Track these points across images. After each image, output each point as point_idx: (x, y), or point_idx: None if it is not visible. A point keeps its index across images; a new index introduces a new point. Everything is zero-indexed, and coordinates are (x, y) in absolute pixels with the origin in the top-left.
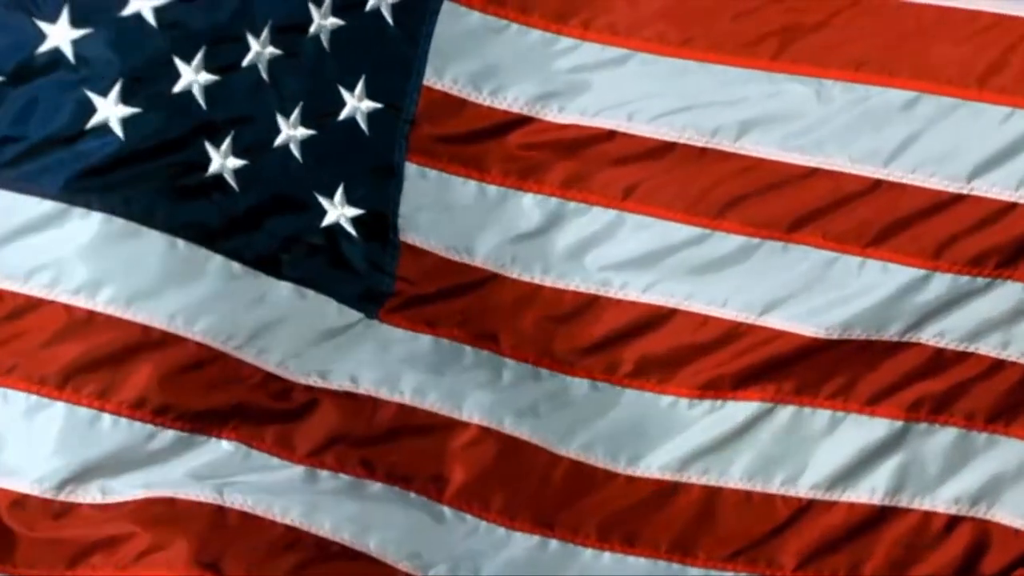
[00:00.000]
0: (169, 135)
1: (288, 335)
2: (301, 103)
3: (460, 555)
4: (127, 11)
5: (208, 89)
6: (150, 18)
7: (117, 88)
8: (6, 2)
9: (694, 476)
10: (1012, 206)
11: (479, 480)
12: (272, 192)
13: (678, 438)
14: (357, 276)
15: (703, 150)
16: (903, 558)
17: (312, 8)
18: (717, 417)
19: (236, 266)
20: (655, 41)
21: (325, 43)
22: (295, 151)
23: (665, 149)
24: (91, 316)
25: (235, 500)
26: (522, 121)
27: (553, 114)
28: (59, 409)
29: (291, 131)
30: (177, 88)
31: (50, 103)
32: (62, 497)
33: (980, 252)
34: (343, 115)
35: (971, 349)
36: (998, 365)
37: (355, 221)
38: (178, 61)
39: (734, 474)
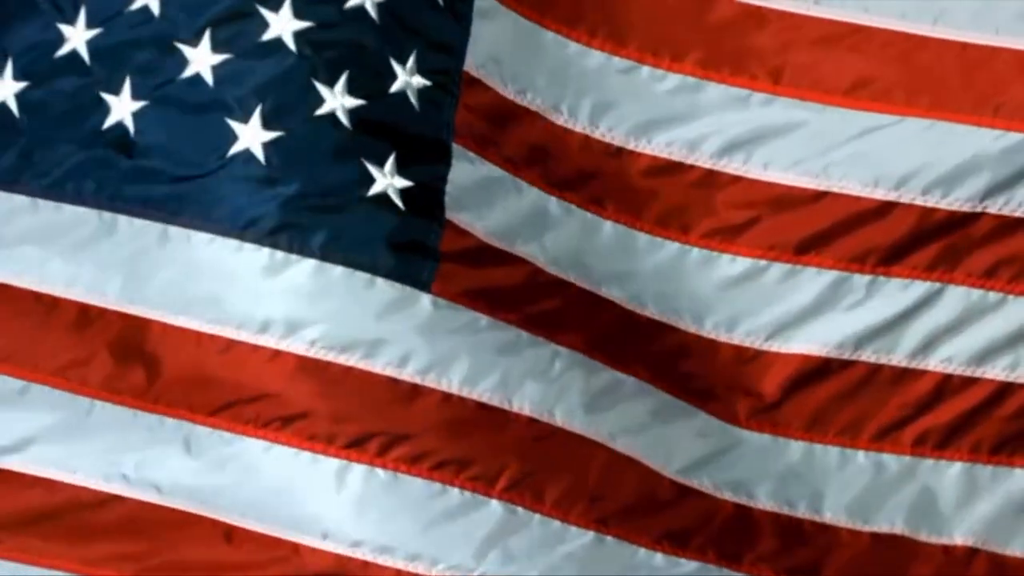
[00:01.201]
0: (177, 123)
1: (325, 314)
2: (346, 72)
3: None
4: (135, 6)
5: (217, 68)
6: (155, 8)
7: (127, 85)
8: (35, 7)
9: (727, 493)
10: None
11: (532, 472)
12: (309, 162)
13: (701, 454)
14: (401, 251)
15: (710, 172)
16: None
17: None
18: (734, 443)
19: (249, 247)
20: (660, 56)
21: (373, 14)
22: (343, 119)
23: (672, 169)
24: (103, 312)
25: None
26: (543, 121)
27: (563, 119)
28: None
29: (338, 100)
30: (185, 74)
31: (70, 107)
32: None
33: (993, 264)
34: (394, 88)
35: (978, 374)
36: (1005, 389)
37: (403, 193)
38: (183, 47)
39: (760, 497)
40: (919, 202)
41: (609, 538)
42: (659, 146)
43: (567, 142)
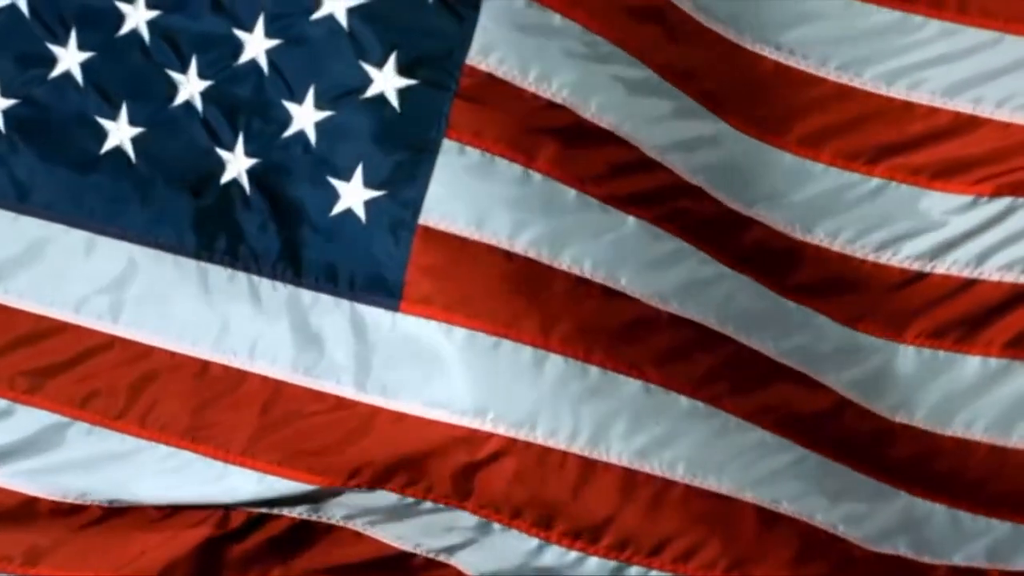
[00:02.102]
0: (175, 152)
1: (292, 340)
2: (313, 86)
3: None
4: (124, 30)
5: (205, 95)
6: (144, 33)
7: (124, 111)
8: (22, 25)
9: (749, 495)
10: (971, 282)
11: (505, 493)
12: (281, 187)
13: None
14: (364, 269)
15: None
16: None
17: None
18: (755, 444)
19: (226, 272)
20: (669, 73)
21: (343, 22)
22: (311, 136)
23: (666, 175)
24: (113, 340)
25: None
26: (565, 112)
27: (591, 112)
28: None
29: (305, 116)
30: (177, 101)
31: (64, 128)
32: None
33: (942, 325)
34: (370, 93)
35: (938, 430)
36: (963, 446)
37: (369, 205)
38: (173, 74)
39: (783, 502)
40: (871, 258)
41: (594, 559)
42: (660, 157)
43: (595, 137)
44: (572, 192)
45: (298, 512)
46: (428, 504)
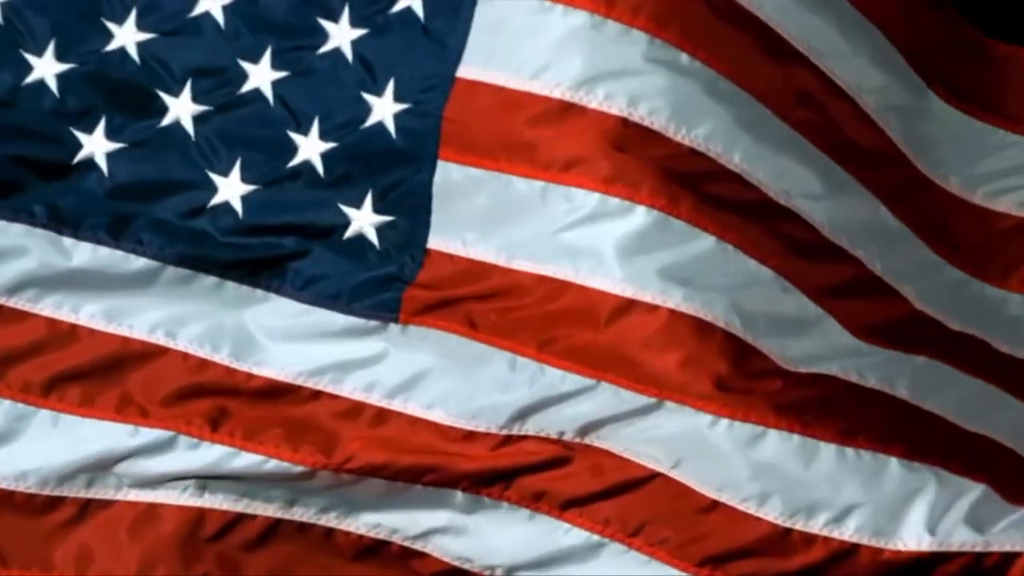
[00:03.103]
0: (157, 169)
1: (295, 347)
2: (317, 118)
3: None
4: (111, 47)
5: (199, 119)
6: (133, 54)
7: (102, 125)
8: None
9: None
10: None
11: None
12: (284, 213)
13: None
14: (372, 288)
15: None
16: None
17: (325, 24)
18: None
19: (231, 285)
20: (711, 54)
21: (348, 55)
22: (318, 167)
23: (705, 162)
24: (73, 329)
25: (215, 501)
26: (566, 108)
27: (598, 102)
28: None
29: (311, 148)
30: (165, 122)
31: (36, 135)
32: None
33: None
34: (370, 122)
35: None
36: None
37: (380, 230)
38: (164, 95)
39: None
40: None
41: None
42: (695, 140)
43: (604, 128)
44: (574, 190)
45: (272, 510)
46: (418, 487)
